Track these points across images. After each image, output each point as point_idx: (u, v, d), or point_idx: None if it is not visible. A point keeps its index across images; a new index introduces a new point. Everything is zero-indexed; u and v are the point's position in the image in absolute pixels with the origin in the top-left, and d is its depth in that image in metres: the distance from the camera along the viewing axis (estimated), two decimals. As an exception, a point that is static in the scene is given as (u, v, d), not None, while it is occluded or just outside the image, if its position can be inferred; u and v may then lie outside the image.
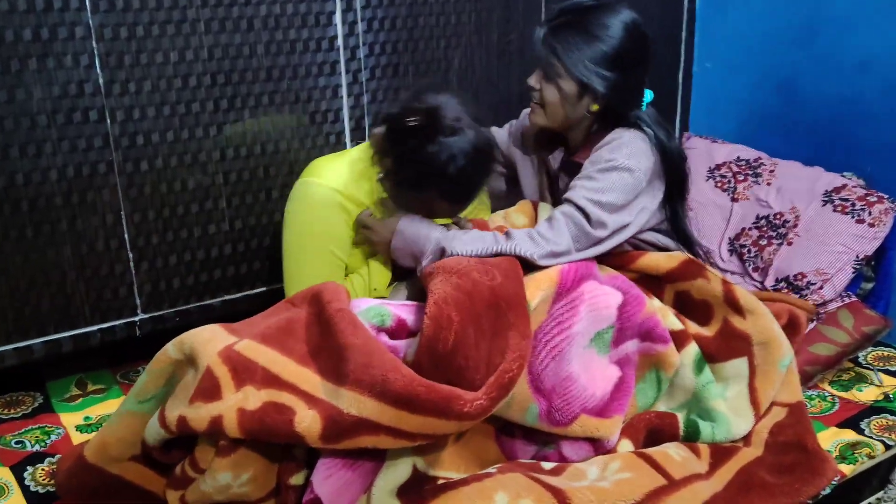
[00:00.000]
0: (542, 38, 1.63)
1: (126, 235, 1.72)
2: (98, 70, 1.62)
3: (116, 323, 1.76)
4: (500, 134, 1.92)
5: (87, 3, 1.58)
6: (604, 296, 1.48)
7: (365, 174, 1.58)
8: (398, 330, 1.37)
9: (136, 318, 1.79)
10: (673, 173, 1.66)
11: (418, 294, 1.53)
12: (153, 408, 1.36)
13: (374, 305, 1.39)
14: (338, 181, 1.56)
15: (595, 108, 1.65)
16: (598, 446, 1.43)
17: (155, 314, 1.80)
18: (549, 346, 1.41)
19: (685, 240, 1.71)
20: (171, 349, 1.35)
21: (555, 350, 1.41)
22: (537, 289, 1.43)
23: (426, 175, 1.48)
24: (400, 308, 1.40)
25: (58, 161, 1.63)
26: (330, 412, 1.24)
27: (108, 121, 1.65)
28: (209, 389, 1.26)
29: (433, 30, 1.99)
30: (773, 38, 2.34)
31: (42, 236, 1.65)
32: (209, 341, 1.31)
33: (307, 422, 1.23)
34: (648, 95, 1.69)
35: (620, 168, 1.58)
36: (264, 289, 1.90)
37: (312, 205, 1.55)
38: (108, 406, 1.80)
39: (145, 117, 1.69)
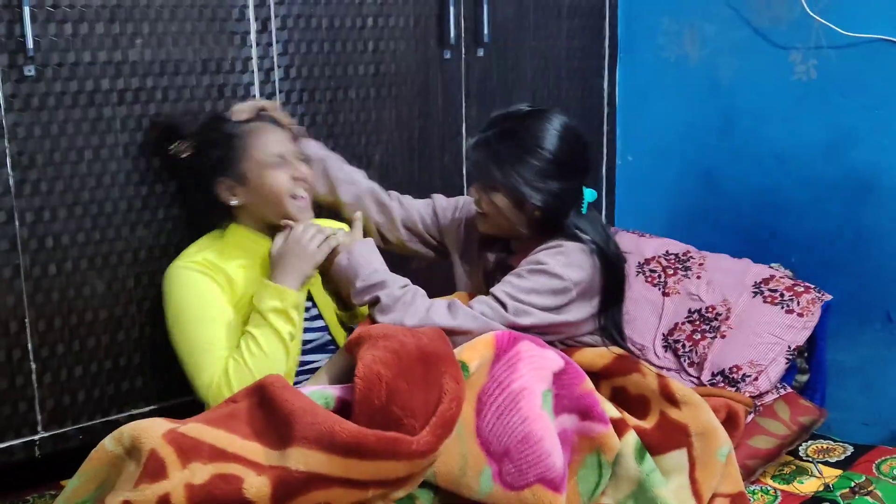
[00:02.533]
0: (476, 150, 1.89)
1: (29, 345, 1.89)
2: (9, 170, 1.83)
3: (14, 443, 1.90)
4: (443, 204, 2.14)
5: (2, 102, 1.81)
6: (540, 357, 1.69)
7: (212, 244, 1.89)
8: (341, 411, 1.57)
9: (37, 437, 1.92)
10: (611, 281, 1.92)
11: (341, 375, 1.76)
12: None
13: (317, 390, 1.61)
14: (186, 257, 1.87)
15: (536, 213, 1.90)
16: None
17: (57, 431, 1.94)
18: (492, 406, 1.62)
19: (616, 344, 1.97)
20: (108, 443, 1.50)
21: (499, 410, 1.61)
22: (474, 351, 1.66)
23: None
24: (338, 390, 1.62)
25: (-39, 266, 1.80)
26: (278, 473, 1.43)
27: (17, 222, 1.85)
28: (154, 470, 1.42)
29: (353, 126, 2.30)
30: (693, 129, 2.75)
31: (-62, 347, 1.80)
32: (150, 428, 1.48)
33: (256, 486, 1.42)
34: (590, 195, 1.94)
35: (550, 273, 1.84)
36: (175, 401, 2.05)
37: (179, 279, 1.83)
38: None
39: (56, 219, 1.89)
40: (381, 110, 2.34)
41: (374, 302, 1.82)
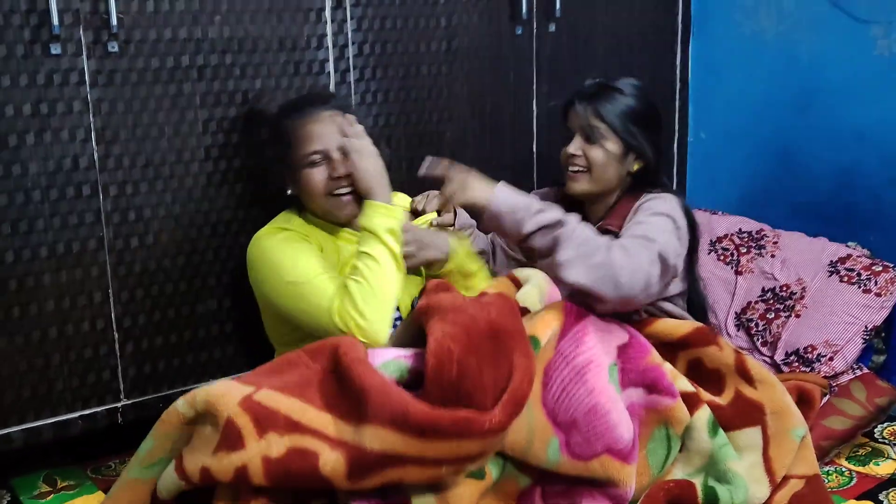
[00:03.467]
0: (581, 104, 2.00)
1: (113, 315, 1.97)
2: (94, 144, 1.91)
3: (98, 409, 1.99)
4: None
5: (87, 78, 1.89)
6: (606, 331, 1.74)
7: (288, 221, 1.92)
8: (415, 382, 1.58)
9: (119, 405, 2.01)
10: (693, 239, 1.98)
11: (409, 342, 1.72)
12: (160, 473, 1.56)
13: (392, 360, 1.61)
14: (275, 224, 1.91)
15: (637, 166, 2.02)
16: (618, 501, 1.67)
17: (138, 400, 2.03)
18: (558, 378, 1.66)
19: (701, 308, 2.00)
20: (180, 406, 1.54)
21: (564, 382, 1.65)
22: (546, 326, 1.69)
23: None
24: (411, 359, 1.62)
25: (49, 238, 1.89)
26: (353, 451, 1.47)
27: (101, 196, 1.93)
28: (232, 440, 1.47)
29: (425, 103, 2.33)
30: (769, 105, 2.72)
31: (28, 318, 1.89)
32: (225, 394, 1.51)
33: (332, 464, 1.46)
34: None
35: (667, 216, 1.89)
36: (251, 373, 2.15)
37: (267, 242, 1.85)
38: (84, 502, 2.00)
39: (138, 192, 1.97)
40: (453, 86, 2.37)
41: (551, 245, 1.78)
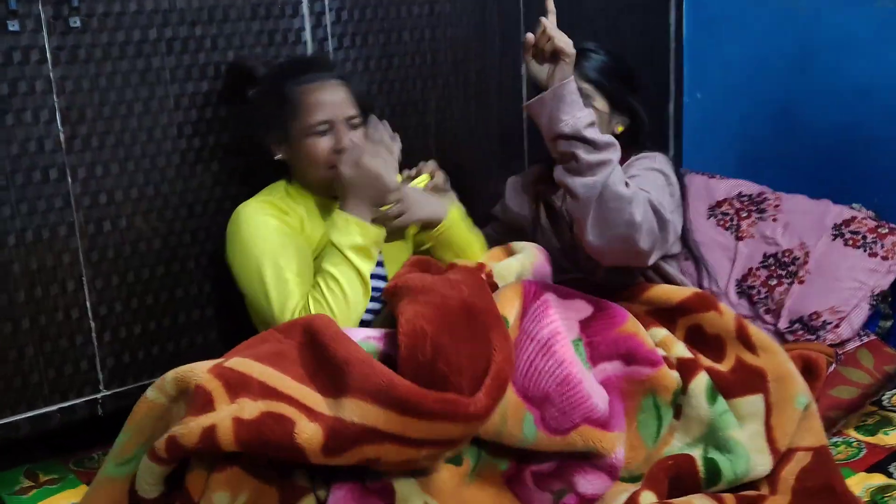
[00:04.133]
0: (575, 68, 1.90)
1: (88, 304, 1.92)
2: (59, 125, 1.84)
3: (77, 401, 1.94)
4: (507, 197, 2.22)
5: (49, 56, 1.82)
6: (567, 308, 1.72)
7: (272, 194, 1.89)
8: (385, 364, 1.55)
9: (99, 396, 1.97)
10: (683, 197, 1.98)
11: (380, 323, 1.75)
12: (135, 469, 1.50)
13: (361, 340, 1.59)
14: (261, 197, 1.87)
15: (620, 129, 2.00)
16: (612, 473, 1.64)
17: (118, 390, 1.99)
18: (524, 356, 1.63)
19: (699, 267, 2.01)
20: (150, 393, 1.51)
21: (531, 357, 1.62)
22: (510, 305, 1.67)
23: None
24: (381, 341, 1.61)
25: (16, 225, 1.83)
26: (331, 423, 1.42)
27: (70, 179, 1.87)
28: (201, 404, 1.41)
29: (408, 70, 2.27)
30: (767, 64, 2.66)
31: (-1, 309, 1.85)
32: (193, 367, 1.48)
33: (308, 433, 1.41)
34: None
35: (658, 171, 1.88)
36: (235, 358, 2.10)
37: (247, 218, 1.81)
38: (67, 497, 1.95)
39: (108, 174, 1.91)
40: (437, 52, 2.31)
41: (573, 159, 1.76)
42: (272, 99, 1.88)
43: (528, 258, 1.87)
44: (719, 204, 2.55)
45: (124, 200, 1.94)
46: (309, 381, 1.50)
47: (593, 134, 1.75)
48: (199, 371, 1.47)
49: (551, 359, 1.64)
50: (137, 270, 1.98)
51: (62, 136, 1.85)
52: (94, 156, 1.89)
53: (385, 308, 1.79)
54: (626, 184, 1.76)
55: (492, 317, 1.61)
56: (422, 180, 1.98)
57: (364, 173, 1.76)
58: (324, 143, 1.86)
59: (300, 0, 2.08)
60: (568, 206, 1.85)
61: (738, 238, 2.47)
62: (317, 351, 1.54)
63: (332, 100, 1.86)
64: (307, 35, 2.10)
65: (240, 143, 2.04)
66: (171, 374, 1.50)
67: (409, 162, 2.03)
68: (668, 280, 1.98)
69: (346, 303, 1.74)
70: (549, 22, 1.78)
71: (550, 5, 1.80)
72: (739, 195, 2.55)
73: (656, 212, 1.77)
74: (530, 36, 1.79)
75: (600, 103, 1.99)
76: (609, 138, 1.78)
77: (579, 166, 1.75)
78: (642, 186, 1.81)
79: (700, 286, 2.09)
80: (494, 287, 1.79)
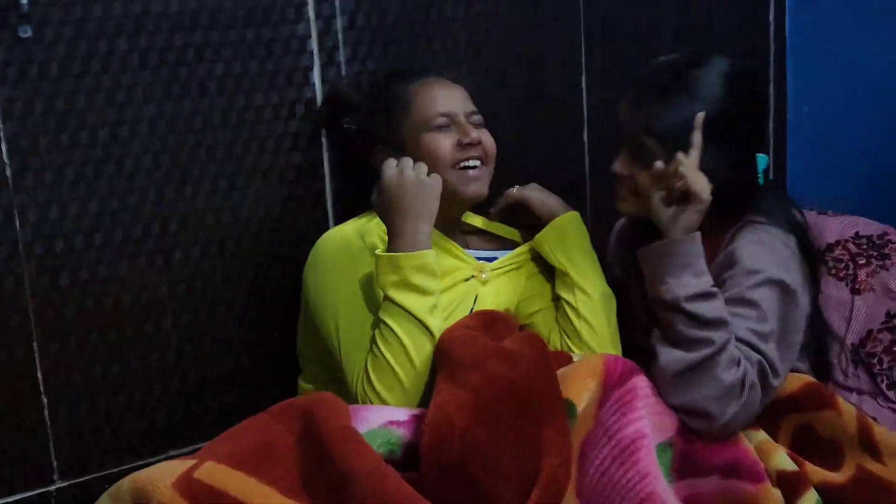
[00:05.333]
0: (628, 111, 1.77)
1: (39, 373, 1.77)
2: (5, 157, 1.70)
3: (26, 495, 1.79)
4: (610, 244, 2.08)
5: (-9, 73, 1.65)
6: (659, 402, 1.60)
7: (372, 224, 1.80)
8: (409, 459, 1.45)
9: (52, 488, 1.81)
10: (813, 279, 1.80)
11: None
12: None
13: (379, 427, 1.48)
14: (352, 226, 1.81)
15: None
16: None
17: (77, 480, 1.83)
18: (597, 460, 1.52)
19: (822, 359, 1.86)
20: (104, 501, 1.41)
21: (606, 463, 1.51)
22: (582, 388, 1.55)
23: None
24: (408, 427, 1.50)
25: (-48, 280, 1.68)
26: None
27: (18, 223, 1.72)
28: None
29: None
30: (892, 72, 2.45)
31: (-69, 383, 1.69)
32: (155, 476, 1.36)
33: None
34: (763, 161, 1.79)
35: (773, 281, 1.68)
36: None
37: (331, 255, 1.76)
38: None
39: (66, 216, 1.75)
40: (476, 61, 2.13)
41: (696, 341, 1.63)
42: (380, 101, 1.84)
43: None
44: (830, 247, 2.26)
45: (86, 247, 1.78)
46: (301, 491, 1.39)
47: (699, 308, 1.62)
48: (162, 485, 1.35)
49: (632, 469, 1.53)
50: (102, 331, 1.81)
51: (9, 171, 1.71)
52: (49, 194, 1.74)
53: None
54: (737, 358, 1.61)
55: (548, 406, 1.51)
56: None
57: (392, 182, 1.67)
58: (445, 139, 1.79)
59: (305, 1, 1.91)
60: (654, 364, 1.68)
61: (855, 291, 2.20)
62: (316, 449, 1.42)
63: (448, 92, 1.83)
64: (313, 43, 1.94)
65: (231, 177, 1.88)
66: (127, 483, 1.39)
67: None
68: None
69: (405, 355, 1.62)
70: (686, 158, 1.67)
71: (697, 139, 1.67)
72: (856, 236, 2.28)
73: (764, 382, 1.63)
74: (660, 165, 1.68)
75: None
76: (720, 313, 1.62)
77: (675, 337, 1.63)
78: (758, 329, 1.65)
79: (818, 363, 1.89)
80: (567, 360, 1.68)
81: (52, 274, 1.76)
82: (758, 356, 1.62)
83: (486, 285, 1.82)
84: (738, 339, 1.63)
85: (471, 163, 1.77)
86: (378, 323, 1.64)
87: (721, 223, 1.77)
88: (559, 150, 2.29)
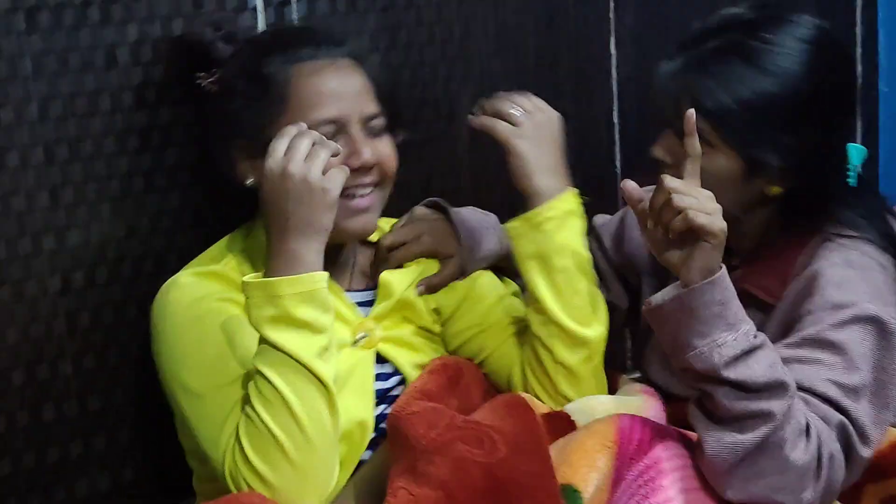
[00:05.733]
0: (677, 80, 1.56)
1: None
2: None
3: None
4: (608, 226, 1.88)
5: None
6: (697, 472, 1.45)
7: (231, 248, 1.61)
8: None
9: None
10: None
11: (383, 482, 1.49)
12: None
13: None
14: (202, 265, 1.60)
15: (775, 190, 1.56)
16: None
17: None
18: None
19: None
20: None
21: None
22: (589, 467, 1.40)
23: None
24: None
25: None
26: None
27: None
28: None
29: (430, 61, 1.89)
30: None
31: None
32: None
33: None
34: (857, 154, 1.58)
35: (866, 318, 1.48)
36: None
37: (173, 304, 1.55)
38: None
39: None
40: (471, 21, 1.94)
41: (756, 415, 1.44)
42: (246, 83, 1.56)
43: (633, 405, 1.58)
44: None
45: (9, 259, 1.56)
46: None
47: (745, 372, 1.42)
48: None
49: None
50: (30, 367, 1.60)
51: None
52: None
53: (383, 447, 1.52)
54: (805, 425, 1.43)
55: (541, 499, 1.35)
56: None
57: (275, 183, 1.42)
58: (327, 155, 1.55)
59: None
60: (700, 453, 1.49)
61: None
62: None
63: (341, 87, 1.54)
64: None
65: (194, 165, 1.69)
66: None
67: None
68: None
69: (290, 415, 1.40)
70: (674, 181, 1.42)
71: (694, 146, 1.44)
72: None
73: (849, 452, 1.44)
74: (632, 191, 1.45)
75: (721, 158, 1.56)
76: (774, 373, 1.43)
77: (719, 415, 1.45)
78: (833, 377, 1.47)
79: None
80: (569, 425, 1.52)
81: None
82: (841, 417, 1.45)
83: (382, 343, 1.59)
84: (817, 395, 1.45)
85: (360, 191, 1.53)
86: (252, 375, 1.42)
87: (797, 235, 1.59)
88: (582, 133, 2.10)
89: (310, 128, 1.49)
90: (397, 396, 1.57)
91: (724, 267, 1.42)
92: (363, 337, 1.56)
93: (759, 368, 1.41)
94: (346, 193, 1.49)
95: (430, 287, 1.65)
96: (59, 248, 1.61)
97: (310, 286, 1.39)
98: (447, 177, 1.92)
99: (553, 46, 2.06)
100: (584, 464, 1.40)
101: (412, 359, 1.61)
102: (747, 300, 1.51)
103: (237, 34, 1.64)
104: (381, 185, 1.55)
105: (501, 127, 1.54)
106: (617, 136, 2.16)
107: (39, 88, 1.57)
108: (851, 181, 1.59)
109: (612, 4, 2.11)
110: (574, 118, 2.01)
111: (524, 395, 1.55)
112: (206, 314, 1.53)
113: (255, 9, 1.71)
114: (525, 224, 1.52)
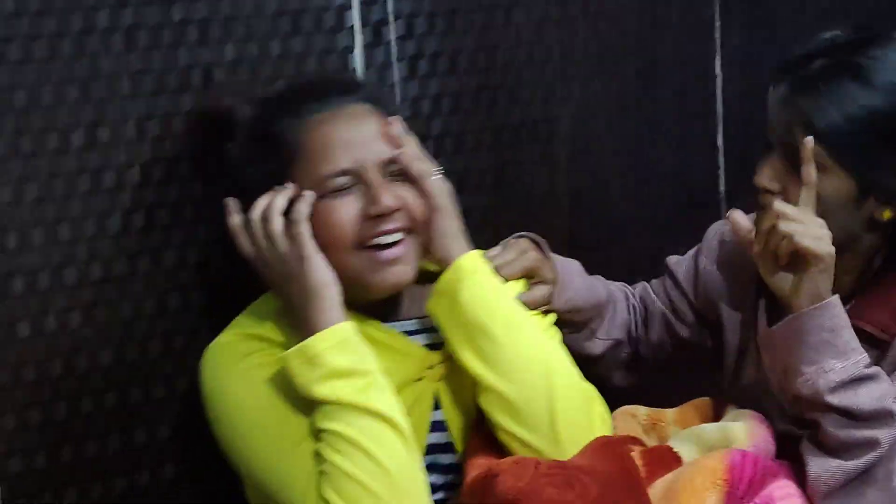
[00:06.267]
0: (787, 103, 1.56)
1: None
2: None
3: None
4: (681, 268, 1.85)
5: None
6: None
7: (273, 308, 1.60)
8: None
9: None
10: None
11: None
12: None
13: None
14: (236, 327, 1.60)
15: (887, 214, 1.54)
16: None
17: None
18: None
19: None
20: None
21: None
22: (697, 500, 1.40)
23: None
24: None
25: None
26: None
27: None
28: None
29: (520, 66, 1.90)
30: None
31: None
32: None
33: None
34: None
35: None
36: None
37: (221, 373, 1.56)
38: None
39: None
40: (571, 40, 1.95)
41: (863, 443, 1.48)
42: (257, 146, 1.56)
43: (740, 430, 1.55)
44: None
45: (25, 293, 1.53)
46: None
47: (852, 399, 1.46)
48: None
49: None
50: (47, 407, 1.56)
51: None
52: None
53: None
54: None
55: None
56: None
57: (273, 245, 1.49)
58: (346, 206, 1.49)
59: (348, 5, 1.72)
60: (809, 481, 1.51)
61: None
62: None
63: (353, 135, 1.51)
64: (357, 58, 1.73)
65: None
66: None
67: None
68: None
69: (368, 457, 1.41)
70: (784, 206, 1.48)
71: (810, 174, 1.47)
72: None
73: None
74: (739, 220, 1.52)
75: (834, 180, 1.55)
76: (884, 403, 1.47)
77: (825, 441, 1.48)
78: None
79: None
80: (674, 459, 1.50)
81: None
82: None
83: (444, 380, 1.57)
84: None
85: (385, 239, 1.48)
86: (316, 434, 1.44)
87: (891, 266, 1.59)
88: (685, 157, 2.13)
89: (324, 181, 1.49)
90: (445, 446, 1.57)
91: (835, 295, 1.44)
92: (431, 368, 1.56)
93: (869, 397, 1.43)
94: (371, 245, 1.48)
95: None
96: (79, 285, 1.59)
97: (340, 336, 1.41)
98: (545, 199, 1.92)
99: (655, 67, 2.07)
100: (693, 503, 1.39)
101: (467, 405, 1.57)
102: (859, 335, 1.51)
103: (260, 95, 1.64)
104: (411, 232, 1.52)
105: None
106: (721, 161, 2.16)
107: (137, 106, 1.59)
108: None
109: (717, 24, 2.10)
110: (677, 141, 2.05)
111: (622, 434, 1.55)
112: (256, 369, 1.53)
113: (352, 28, 1.72)
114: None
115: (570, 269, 1.74)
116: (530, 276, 1.65)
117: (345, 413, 1.41)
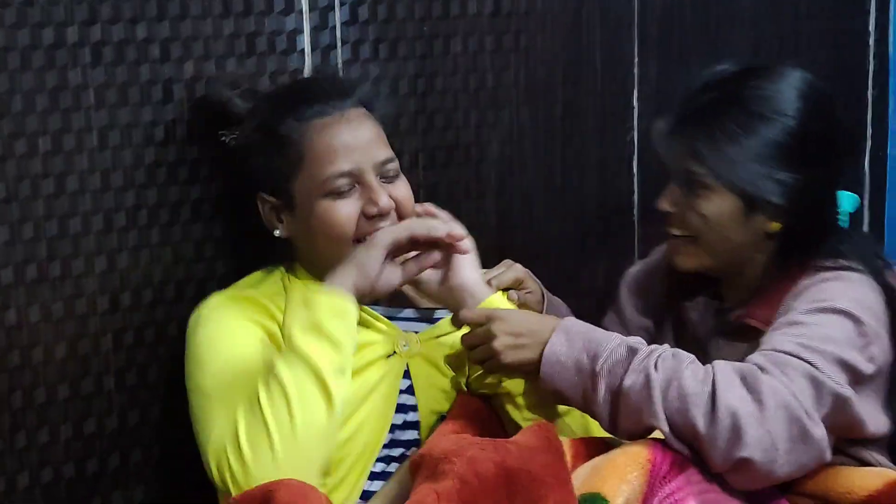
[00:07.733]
0: (675, 134, 1.72)
1: None
2: None
3: None
4: (622, 297, 2.03)
5: None
6: (721, 496, 1.51)
7: (263, 282, 1.76)
8: None
9: None
10: None
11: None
12: None
13: None
14: (236, 290, 1.75)
15: (774, 226, 1.71)
16: None
17: None
18: None
19: None
20: None
21: None
22: (619, 480, 1.46)
23: None
24: None
25: None
26: None
27: None
28: None
29: (457, 97, 2.04)
30: None
31: None
32: None
33: None
34: (849, 202, 1.76)
35: (840, 311, 1.60)
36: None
37: (204, 321, 1.70)
38: None
39: None
40: (503, 71, 2.09)
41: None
42: (264, 142, 1.71)
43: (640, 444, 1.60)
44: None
45: (15, 285, 1.70)
46: None
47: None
48: None
49: None
50: (28, 392, 1.71)
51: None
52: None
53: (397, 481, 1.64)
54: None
55: (547, 486, 1.43)
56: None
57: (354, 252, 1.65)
58: (346, 205, 1.66)
59: (301, 29, 1.88)
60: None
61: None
62: None
63: (353, 140, 1.68)
64: (305, 39, 1.89)
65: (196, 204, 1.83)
66: None
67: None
68: (864, 463, 1.72)
69: (287, 411, 1.53)
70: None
71: None
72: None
73: (827, 397, 1.54)
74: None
75: (720, 200, 1.72)
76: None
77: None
78: (798, 340, 1.58)
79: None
80: (600, 446, 1.60)
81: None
82: (808, 368, 1.54)
83: (416, 358, 1.71)
84: (779, 350, 1.55)
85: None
86: (269, 372, 1.56)
87: (793, 270, 1.72)
88: (604, 181, 2.26)
89: (327, 182, 1.65)
90: (409, 425, 1.71)
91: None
92: (405, 347, 1.69)
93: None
94: (361, 240, 1.66)
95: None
96: (75, 294, 1.74)
97: (343, 306, 1.56)
98: (474, 218, 2.01)
99: (579, 99, 2.19)
100: (615, 475, 1.47)
101: (436, 382, 1.72)
102: (750, 333, 1.70)
103: (255, 91, 1.80)
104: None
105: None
106: (636, 186, 2.27)
107: (53, 124, 1.70)
108: (843, 223, 1.75)
109: (636, 60, 2.23)
110: (597, 166, 2.21)
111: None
112: (234, 329, 1.67)
113: (302, 51, 1.86)
114: None
115: (554, 299, 1.89)
116: (518, 286, 1.81)
117: (300, 368, 1.53)
